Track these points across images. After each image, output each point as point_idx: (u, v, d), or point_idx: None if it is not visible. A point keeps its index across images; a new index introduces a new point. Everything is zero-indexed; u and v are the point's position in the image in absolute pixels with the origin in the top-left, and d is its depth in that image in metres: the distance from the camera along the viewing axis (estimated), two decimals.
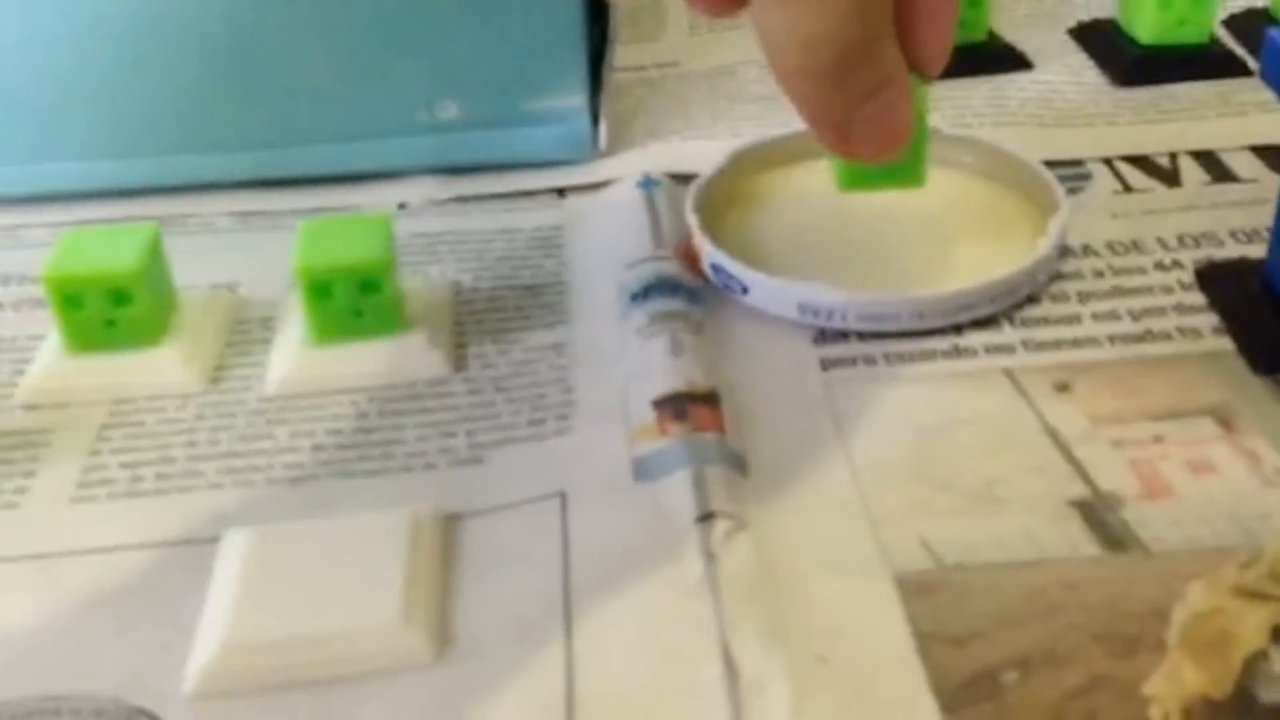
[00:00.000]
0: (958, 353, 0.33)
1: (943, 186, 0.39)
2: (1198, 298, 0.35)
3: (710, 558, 0.26)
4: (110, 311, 0.32)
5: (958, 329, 0.34)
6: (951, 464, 0.30)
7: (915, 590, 0.26)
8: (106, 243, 0.33)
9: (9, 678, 0.25)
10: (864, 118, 0.28)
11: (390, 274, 0.33)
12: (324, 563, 0.26)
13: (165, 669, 0.25)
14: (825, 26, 0.26)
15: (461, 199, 0.42)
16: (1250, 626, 0.25)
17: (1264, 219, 0.34)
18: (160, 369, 0.33)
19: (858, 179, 0.32)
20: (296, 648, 0.25)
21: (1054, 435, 0.30)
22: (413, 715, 0.24)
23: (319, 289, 0.32)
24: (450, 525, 0.28)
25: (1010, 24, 0.51)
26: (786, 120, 0.43)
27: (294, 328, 0.34)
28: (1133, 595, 0.26)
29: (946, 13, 0.29)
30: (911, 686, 0.24)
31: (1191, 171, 0.41)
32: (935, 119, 0.43)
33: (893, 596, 0.26)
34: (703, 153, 0.41)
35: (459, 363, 0.34)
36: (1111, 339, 0.33)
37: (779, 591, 0.26)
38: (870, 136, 0.29)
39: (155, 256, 0.33)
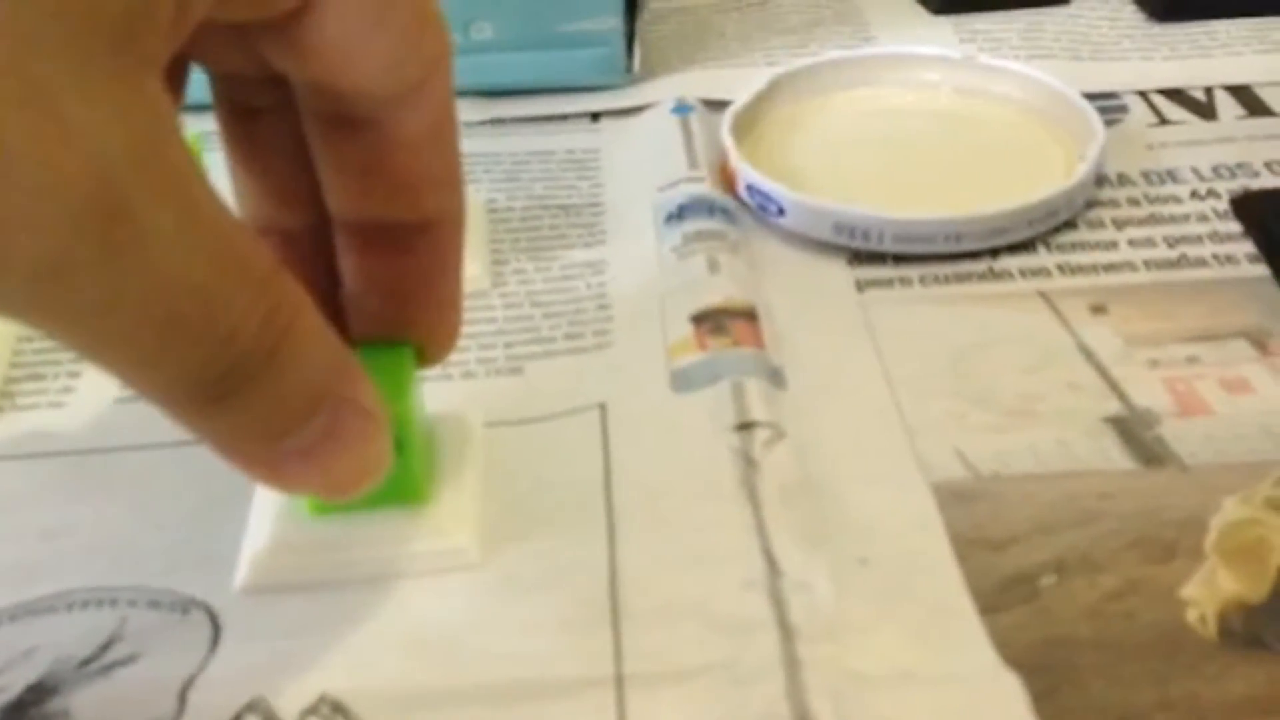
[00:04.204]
0: (993, 275, 0.33)
1: (979, 116, 0.39)
2: (1233, 226, 0.35)
3: (750, 464, 0.27)
4: None
5: (993, 253, 0.34)
6: (987, 380, 0.30)
7: (952, 498, 0.26)
8: None
9: (63, 569, 0.26)
10: (296, 452, 0.20)
11: None
12: None
13: (216, 563, 0.25)
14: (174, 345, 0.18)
15: (496, 121, 0.42)
16: None
17: None
18: None
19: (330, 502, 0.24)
20: (344, 545, 0.25)
21: (1089, 355, 0.30)
22: (461, 610, 0.24)
23: None
24: (491, 433, 0.29)
25: None
26: (819, 50, 0.43)
27: None
28: (1169, 505, 0.26)
29: (450, 278, 0.24)
30: (951, 588, 0.24)
31: (1227, 105, 0.41)
32: (969, 51, 0.43)
33: (930, 504, 0.26)
34: (736, 80, 0.41)
35: (496, 278, 0.34)
36: (1147, 264, 0.33)
37: (818, 498, 0.26)
38: (316, 474, 0.21)
39: None
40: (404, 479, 0.24)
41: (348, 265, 0.24)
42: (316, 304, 0.21)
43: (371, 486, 0.22)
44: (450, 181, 0.24)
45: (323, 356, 0.21)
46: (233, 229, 0.19)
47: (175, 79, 0.21)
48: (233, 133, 0.24)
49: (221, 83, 0.23)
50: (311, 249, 0.24)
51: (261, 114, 0.23)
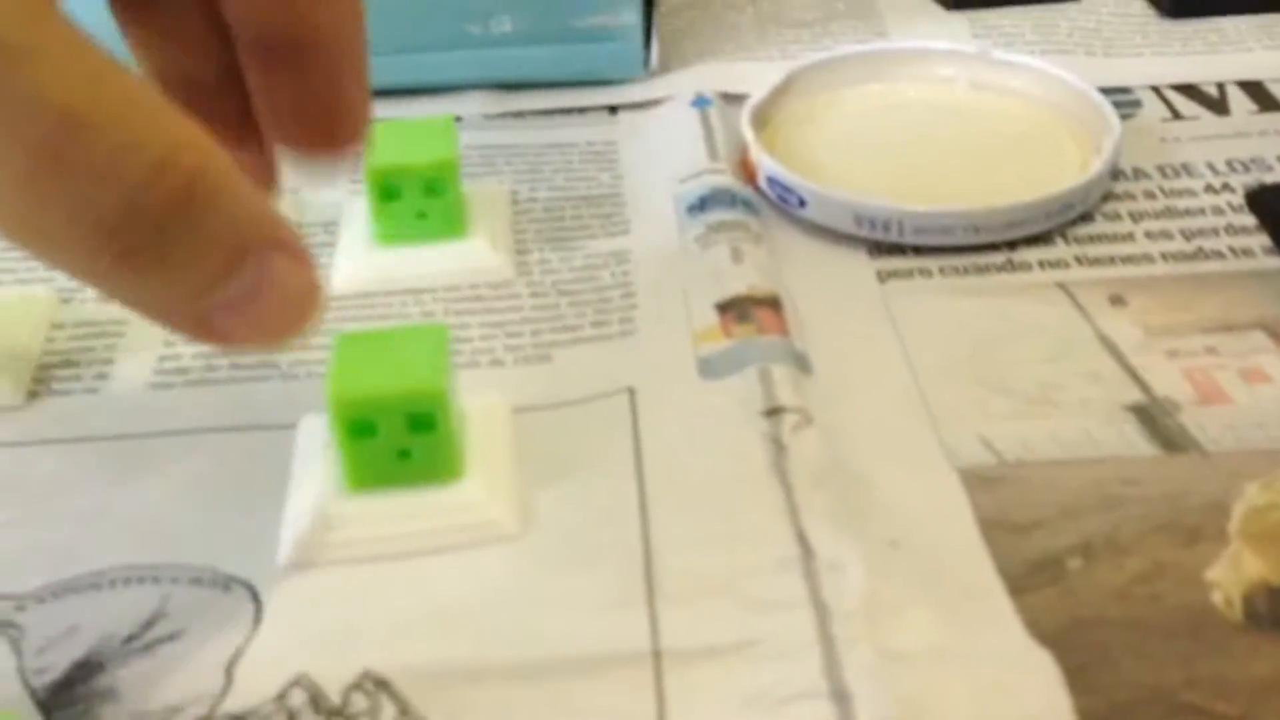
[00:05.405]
0: (1012, 267, 0.34)
1: (994, 111, 0.40)
2: (1248, 219, 0.35)
3: (780, 448, 0.27)
4: None
5: (1012, 245, 0.34)
6: (1008, 369, 0.30)
7: (978, 483, 0.27)
8: None
9: (102, 549, 0.26)
10: (224, 306, 0.20)
11: (455, 175, 0.33)
12: None
13: (254, 542, 0.26)
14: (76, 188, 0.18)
15: (515, 114, 0.42)
16: None
17: None
18: None
19: (371, 474, 0.25)
20: (383, 520, 0.25)
21: (1109, 345, 0.31)
22: (499, 587, 0.25)
23: (387, 190, 0.33)
24: (522, 418, 0.29)
25: None
26: (833, 45, 0.44)
27: (358, 229, 0.35)
28: (1193, 491, 0.26)
29: (346, 96, 0.24)
30: (980, 569, 0.25)
31: (1239, 100, 0.41)
32: (984, 46, 0.43)
33: (957, 488, 0.27)
34: (752, 74, 0.42)
35: (521, 268, 0.35)
36: (1164, 256, 0.34)
37: (847, 482, 0.27)
38: (247, 326, 0.21)
39: None
40: (440, 455, 0.25)
41: (254, 89, 0.24)
42: (239, 152, 0.20)
43: (304, 330, 0.21)
44: None
45: (241, 205, 0.20)
46: (110, 63, 0.18)
47: None
48: None
49: None
50: (230, 100, 0.24)
51: None
